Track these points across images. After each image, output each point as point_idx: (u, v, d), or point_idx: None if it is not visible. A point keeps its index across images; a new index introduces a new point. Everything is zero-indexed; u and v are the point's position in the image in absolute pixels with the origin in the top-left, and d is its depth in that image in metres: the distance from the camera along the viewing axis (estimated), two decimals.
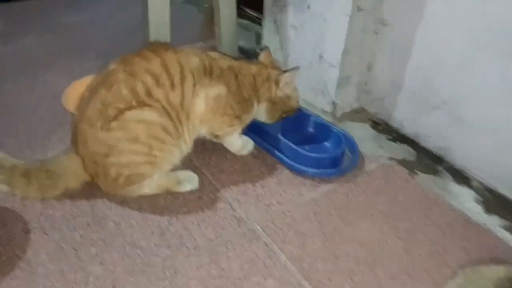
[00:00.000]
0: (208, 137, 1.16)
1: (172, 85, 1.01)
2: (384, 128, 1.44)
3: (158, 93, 1.00)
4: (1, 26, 1.97)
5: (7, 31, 1.92)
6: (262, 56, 1.28)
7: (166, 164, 1.05)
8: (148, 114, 0.98)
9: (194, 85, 1.04)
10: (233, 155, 1.24)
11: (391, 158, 1.30)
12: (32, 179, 1.00)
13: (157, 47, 1.06)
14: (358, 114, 1.50)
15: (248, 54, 1.78)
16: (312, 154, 1.20)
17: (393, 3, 1.29)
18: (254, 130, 1.28)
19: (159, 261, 0.92)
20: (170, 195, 1.09)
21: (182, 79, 1.03)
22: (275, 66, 1.27)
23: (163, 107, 1.01)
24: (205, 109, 1.06)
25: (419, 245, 1.02)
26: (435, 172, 1.27)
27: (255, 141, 1.27)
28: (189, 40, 1.89)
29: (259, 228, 1.02)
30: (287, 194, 1.13)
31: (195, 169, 1.18)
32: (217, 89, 1.08)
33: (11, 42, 1.82)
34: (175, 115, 1.03)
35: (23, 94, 1.47)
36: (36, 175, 1.01)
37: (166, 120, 1.00)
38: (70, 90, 1.33)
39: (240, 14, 2.23)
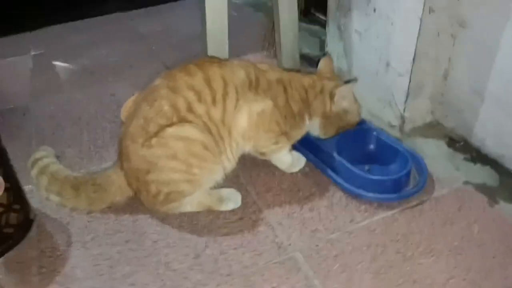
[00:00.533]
0: (253, 154, 1.09)
1: (214, 101, 0.97)
2: (462, 146, 1.25)
3: (199, 109, 0.96)
4: (82, 39, 2.10)
5: (87, 44, 2.04)
6: (322, 64, 1.18)
7: (207, 182, 1.00)
8: (188, 131, 0.95)
9: (238, 100, 0.99)
10: (283, 173, 1.16)
11: (467, 182, 1.12)
12: (81, 192, 1.03)
13: (202, 61, 1.03)
14: (432, 129, 1.33)
15: (312, 62, 1.68)
16: (370, 176, 1.07)
17: (472, 1, 1.11)
18: (306, 145, 1.19)
19: (189, 287, 0.88)
20: (211, 214, 1.04)
21: (225, 94, 0.98)
22: (333, 77, 1.17)
23: (204, 123, 0.97)
24: (248, 125, 1.00)
25: None
26: None
27: (307, 158, 1.18)
28: (252, 48, 1.85)
29: (301, 257, 0.93)
30: (337, 220, 1.02)
31: (240, 186, 1.12)
32: (262, 104, 1.01)
33: (88, 54, 1.93)
34: (216, 132, 0.98)
35: (91, 104, 1.54)
36: (84, 188, 1.03)
37: (206, 136, 0.96)
38: (128, 103, 1.35)
39: (310, 18, 2.14)
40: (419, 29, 1.12)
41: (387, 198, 1.05)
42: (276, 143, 1.06)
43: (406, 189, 1.08)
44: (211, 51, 1.39)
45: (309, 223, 1.01)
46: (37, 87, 1.69)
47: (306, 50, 1.83)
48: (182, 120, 0.95)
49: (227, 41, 1.39)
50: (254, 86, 1.02)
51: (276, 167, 1.16)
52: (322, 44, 1.66)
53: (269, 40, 1.77)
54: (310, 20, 2.14)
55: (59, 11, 2.39)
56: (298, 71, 1.26)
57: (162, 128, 0.94)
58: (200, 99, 0.96)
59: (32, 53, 1.99)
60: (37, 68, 1.85)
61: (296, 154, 1.17)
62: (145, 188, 0.98)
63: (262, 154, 1.09)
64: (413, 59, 1.17)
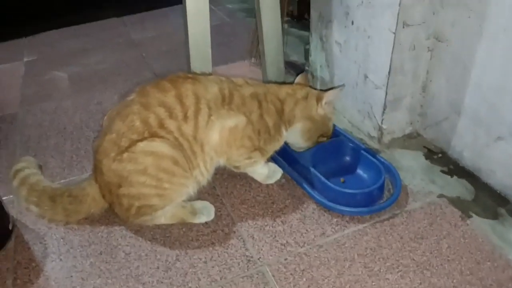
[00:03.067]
0: (228, 167, 1.11)
1: (185, 117, 0.99)
2: (440, 158, 1.25)
3: (170, 125, 0.98)
4: (75, 46, 2.13)
5: (79, 50, 2.08)
6: (299, 79, 1.22)
7: (178, 196, 1.02)
8: (158, 146, 0.96)
9: (210, 116, 1.00)
10: (259, 184, 1.17)
11: (442, 196, 1.12)
12: (57, 203, 1.05)
13: (176, 77, 1.04)
14: (412, 140, 1.33)
15: (298, 70, 1.69)
16: (341, 189, 1.08)
17: (448, 16, 1.11)
18: (283, 156, 1.20)
19: None
20: (185, 226, 1.06)
21: (197, 110, 0.99)
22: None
23: (176, 138, 0.98)
24: (219, 141, 1.02)
25: None
26: (495, 216, 1.06)
27: (284, 169, 1.19)
28: (241, 55, 1.86)
29: (268, 271, 0.94)
30: (308, 233, 1.03)
31: (216, 198, 1.13)
32: (235, 120, 1.03)
33: (79, 61, 1.96)
34: (188, 147, 1.00)
35: (77, 113, 1.56)
36: (61, 199, 1.05)
37: (177, 152, 0.98)
38: (110, 112, 1.37)
39: (303, 24, 2.15)
40: (393, 43, 1.13)
41: (358, 211, 1.06)
42: (249, 158, 1.07)
43: (379, 202, 1.09)
44: (194, 60, 1.40)
45: (280, 236, 1.02)
46: (27, 95, 1.71)
47: (294, 58, 1.84)
48: (154, 136, 0.97)
49: (209, 50, 1.39)
50: (227, 101, 1.03)
51: (252, 179, 1.17)
52: (306, 53, 1.67)
53: (256, 47, 1.77)
54: (302, 25, 2.15)
55: (55, 17, 2.42)
56: (277, 83, 1.28)
57: (134, 143, 0.96)
58: (171, 115, 0.98)
59: (25, 59, 2.02)
60: (29, 75, 1.88)
61: (272, 165, 1.19)
62: (117, 201, 1.00)
63: (236, 167, 1.11)
64: (389, 72, 1.18)
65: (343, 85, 1.33)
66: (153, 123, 0.98)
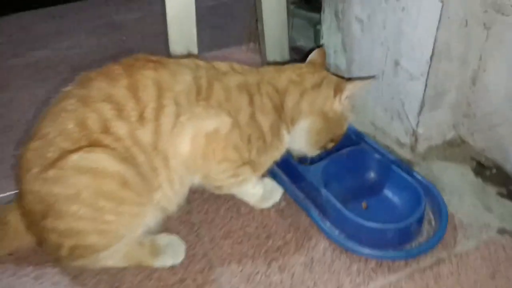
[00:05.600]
0: (207, 188, 0.81)
1: (142, 118, 0.70)
2: (495, 175, 0.96)
3: (119, 128, 0.69)
4: (49, 28, 1.87)
5: (53, 33, 1.81)
6: (315, 56, 0.93)
7: (128, 231, 0.72)
8: (98, 159, 0.67)
9: (178, 116, 0.71)
10: (250, 209, 0.88)
11: (503, 231, 0.83)
12: None
13: (133, 61, 0.75)
14: (455, 148, 1.04)
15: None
16: (364, 222, 0.77)
17: None
18: (284, 170, 0.90)
19: None
20: (142, 271, 0.76)
21: (159, 108, 0.71)
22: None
23: (126, 149, 0.69)
24: (192, 152, 0.72)
25: None
26: None
27: (285, 188, 0.89)
28: (237, 40, 1.60)
29: None
30: (318, 287, 0.72)
31: (190, 229, 0.84)
32: (215, 122, 0.74)
33: (50, 46, 1.70)
34: (146, 161, 0.71)
35: (32, 107, 1.28)
36: None
37: (127, 168, 0.68)
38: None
39: (313, 5, 1.87)
40: (440, 16, 0.83)
41: (391, 256, 0.75)
42: (236, 175, 0.78)
43: (418, 241, 0.78)
44: (173, 42, 1.15)
45: None
46: None
47: (301, 43, 1.55)
48: (94, 144, 0.67)
49: (195, 29, 1.13)
50: (204, 95, 0.74)
51: (241, 201, 0.88)
52: (316, 36, 1.38)
53: (254, 31, 1.49)
54: (311, 7, 1.86)
55: None
56: (276, 64, 0.97)
57: (64, 154, 0.67)
58: (121, 115, 0.69)
59: None
60: None
61: (270, 182, 0.90)
62: (43, 237, 0.71)
63: (218, 188, 0.82)
64: (431, 57, 0.88)
65: (373, 77, 1.04)
66: (93, 125, 0.69)
